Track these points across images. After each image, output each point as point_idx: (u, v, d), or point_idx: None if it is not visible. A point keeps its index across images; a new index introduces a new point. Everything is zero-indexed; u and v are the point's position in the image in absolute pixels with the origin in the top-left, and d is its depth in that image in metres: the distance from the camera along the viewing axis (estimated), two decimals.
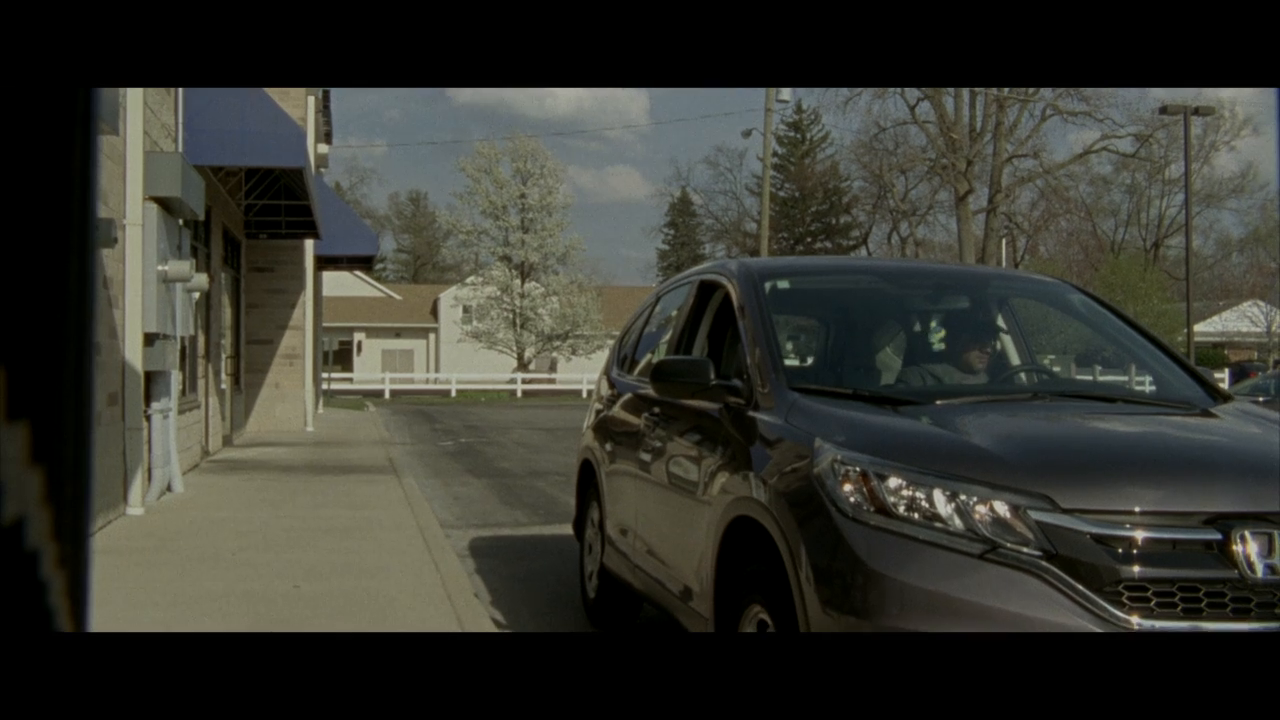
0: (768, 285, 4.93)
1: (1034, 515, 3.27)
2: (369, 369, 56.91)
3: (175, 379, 10.51)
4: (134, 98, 8.96)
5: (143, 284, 9.08)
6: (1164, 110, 36.01)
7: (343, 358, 57.22)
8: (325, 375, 35.48)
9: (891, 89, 46.66)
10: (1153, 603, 3.17)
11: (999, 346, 5.30)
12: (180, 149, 11.07)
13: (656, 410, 5.31)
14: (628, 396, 5.91)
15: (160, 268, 9.37)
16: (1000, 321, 5.41)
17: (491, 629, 5.73)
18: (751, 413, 4.26)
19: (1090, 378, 6.81)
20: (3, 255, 0.62)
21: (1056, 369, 6.31)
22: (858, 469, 3.50)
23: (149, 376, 9.59)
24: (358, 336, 60.06)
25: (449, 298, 60.09)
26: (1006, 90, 46.27)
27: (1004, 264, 45.50)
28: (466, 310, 55.04)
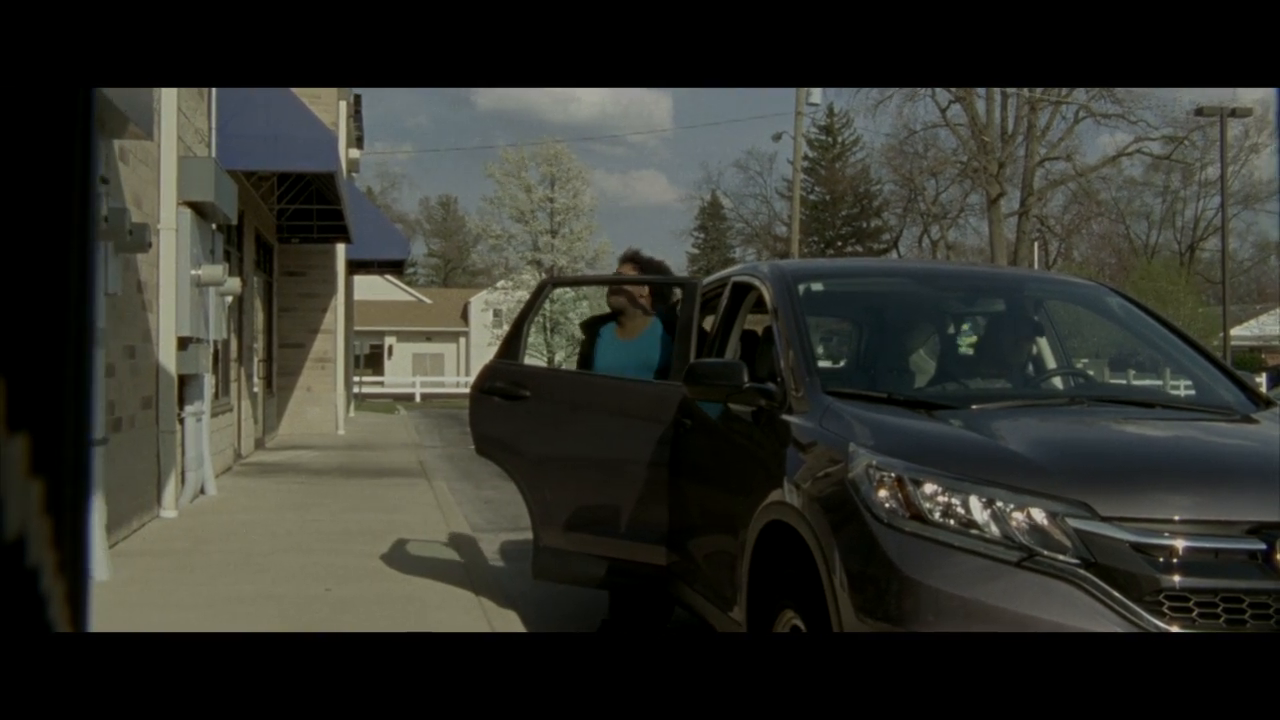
0: (801, 287, 4.89)
1: (1072, 522, 3.23)
2: (400, 373, 57.16)
3: (208, 382, 10.57)
4: (168, 103, 9.02)
5: (176, 288, 9.13)
6: (1199, 112, 35.65)
7: (374, 361, 57.48)
8: (356, 379, 35.64)
9: (922, 91, 46.49)
10: (1194, 613, 3.12)
11: (1035, 350, 5.25)
12: (213, 154, 11.14)
13: (690, 412, 5.28)
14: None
15: (194, 272, 9.43)
16: (1037, 324, 5.35)
17: (521, 631, 5.71)
18: (785, 416, 4.22)
19: (1125, 382, 6.75)
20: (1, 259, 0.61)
21: (1091, 373, 6.24)
22: (893, 474, 3.46)
23: (183, 380, 9.64)
24: (389, 340, 60.33)
25: (479, 302, 60.25)
26: (1039, 92, 45.99)
27: (1036, 268, 45.21)
28: (497, 314, 55.16)
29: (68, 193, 0.63)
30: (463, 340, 61.69)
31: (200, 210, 9.68)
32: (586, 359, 6.18)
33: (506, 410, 5.66)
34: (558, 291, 37.34)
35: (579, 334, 6.35)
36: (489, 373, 5.78)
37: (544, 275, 49.70)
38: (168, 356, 9.09)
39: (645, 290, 6.18)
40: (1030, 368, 5.18)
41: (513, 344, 5.86)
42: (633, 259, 6.37)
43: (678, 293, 6.12)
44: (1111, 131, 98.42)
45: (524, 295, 50.56)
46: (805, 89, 35.34)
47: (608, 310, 6.40)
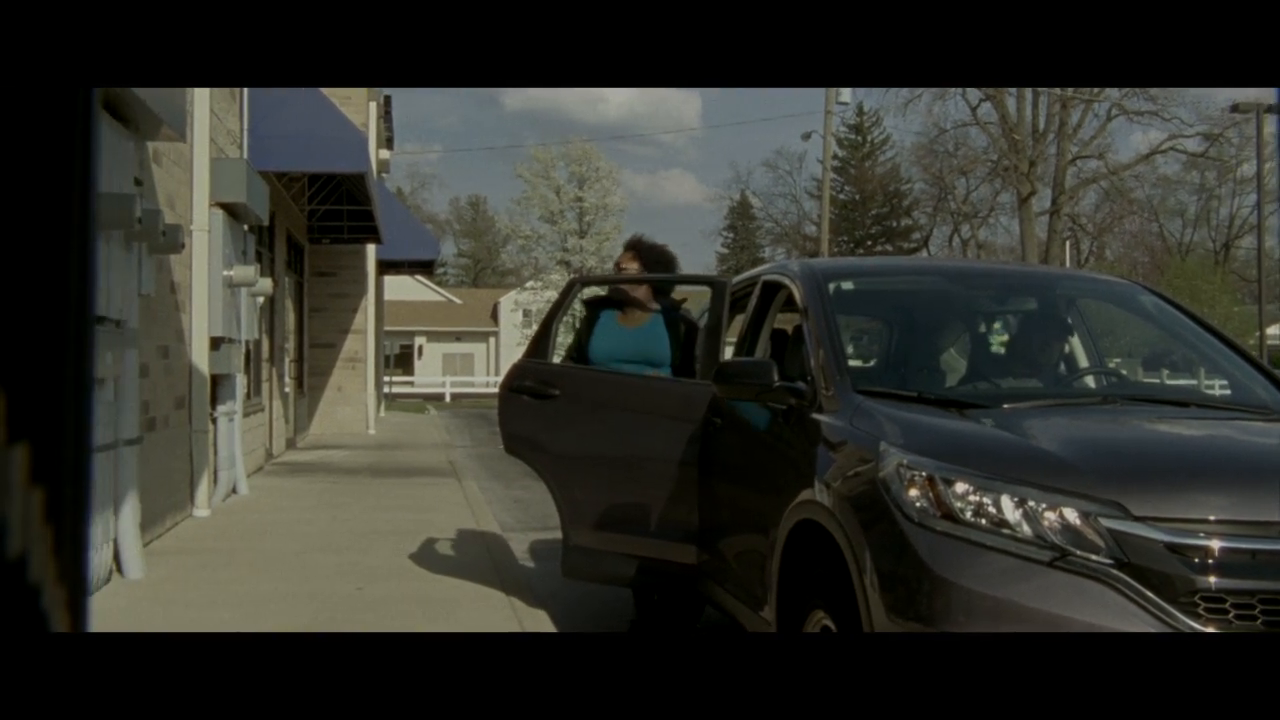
0: (831, 286, 4.88)
1: (1105, 522, 3.20)
2: (430, 372, 57.36)
3: (240, 382, 10.64)
4: (201, 105, 9.08)
5: (209, 289, 9.20)
6: (1235, 108, 35.30)
7: (404, 361, 57.72)
8: (387, 379, 35.80)
9: (952, 89, 46.23)
10: (1231, 615, 3.09)
11: (1067, 349, 5.21)
12: (245, 155, 11.21)
13: (719, 411, 5.28)
14: None
15: (226, 273, 9.49)
16: (1069, 323, 5.31)
17: (551, 630, 5.72)
18: (815, 415, 4.21)
19: (1158, 381, 6.69)
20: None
21: (1124, 372, 6.19)
22: (924, 473, 3.44)
23: (215, 380, 9.71)
24: (419, 340, 60.56)
25: (509, 302, 60.41)
26: (1070, 90, 45.66)
27: (1067, 266, 44.88)
28: (526, 314, 55.29)
29: (67, 194, 0.63)
30: (492, 340, 61.85)
31: (232, 211, 9.75)
32: (583, 338, 6.15)
33: (536, 409, 5.67)
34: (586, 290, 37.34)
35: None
36: (518, 372, 5.79)
37: (572, 275, 49.80)
38: (200, 356, 9.16)
39: (646, 287, 6.15)
40: (1062, 367, 5.14)
41: (541, 343, 5.86)
42: (634, 246, 6.33)
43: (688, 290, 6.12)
44: (1145, 129, 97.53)
45: (553, 295, 50.65)
46: (835, 88, 35.23)
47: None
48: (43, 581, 0.65)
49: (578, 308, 6.34)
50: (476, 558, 7.43)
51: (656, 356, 5.95)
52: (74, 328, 0.65)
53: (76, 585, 0.67)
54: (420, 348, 60.75)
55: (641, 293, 6.13)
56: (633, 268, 6.19)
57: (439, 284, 66.59)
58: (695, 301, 6.94)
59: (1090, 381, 5.11)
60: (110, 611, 5.73)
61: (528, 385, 5.70)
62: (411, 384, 50.91)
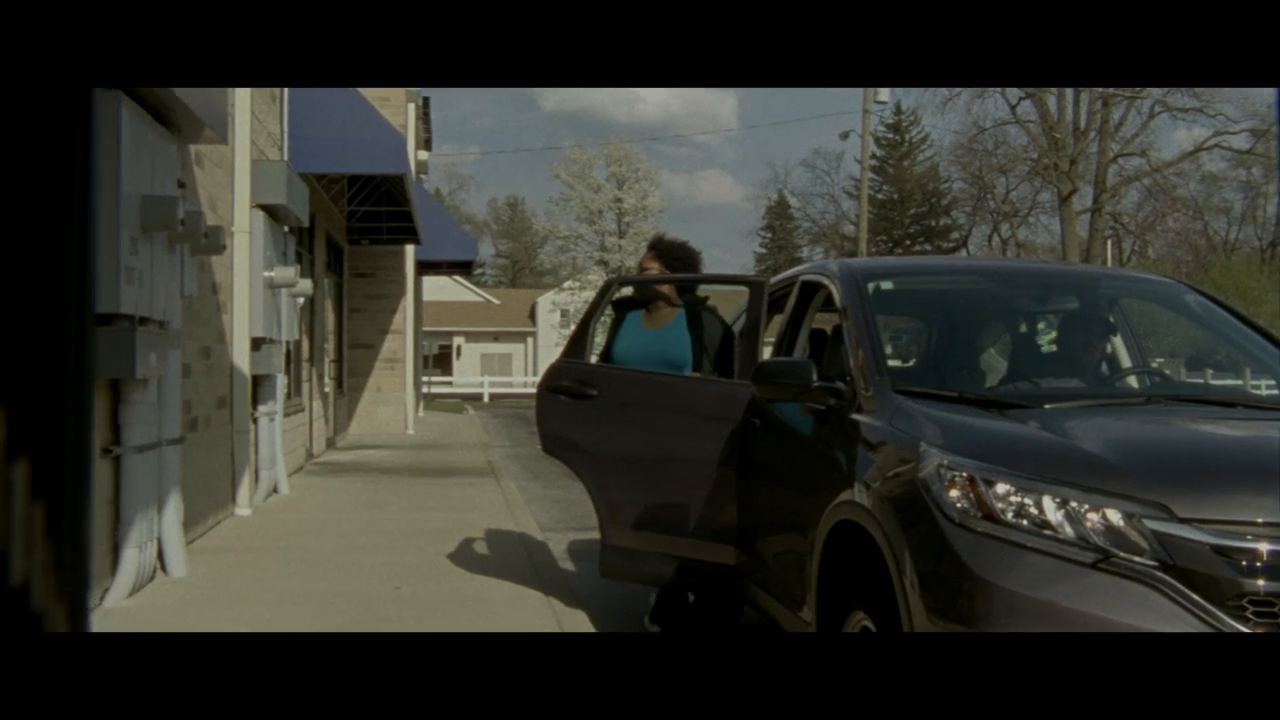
0: (870, 286, 4.85)
1: (1149, 524, 3.16)
2: (468, 373, 57.60)
3: (281, 383, 10.72)
4: (242, 107, 9.16)
5: (250, 290, 9.27)
6: None
7: (442, 361, 57.99)
8: (425, 379, 35.98)
9: (992, 88, 45.89)
10: None
11: (1110, 349, 5.16)
12: (286, 157, 11.30)
13: (758, 411, 5.27)
14: None
15: (266, 274, 9.57)
16: (1111, 322, 5.26)
17: (590, 630, 5.72)
18: (854, 415, 4.19)
19: (1202, 381, 6.60)
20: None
21: (1167, 372, 6.12)
22: (964, 474, 3.42)
23: (256, 380, 9.79)
24: (457, 340, 60.83)
25: (547, 302, 60.55)
26: (1113, 88, 45.19)
27: (1109, 265, 44.44)
28: (564, 314, 55.41)
29: (67, 195, 0.63)
30: (530, 340, 62.02)
31: (273, 213, 9.83)
32: (610, 339, 6.19)
33: (573, 409, 5.68)
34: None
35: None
36: (555, 372, 5.80)
37: (610, 275, 49.86)
38: (241, 357, 9.24)
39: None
40: (1105, 367, 5.09)
41: (579, 343, 5.87)
42: (655, 246, 6.34)
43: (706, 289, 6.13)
44: (1189, 125, 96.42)
45: (591, 295, 50.75)
46: (873, 88, 35.06)
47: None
48: (43, 592, 0.65)
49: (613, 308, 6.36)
50: (515, 558, 7.45)
51: (675, 358, 5.97)
52: (74, 329, 0.65)
53: (79, 582, 0.67)
54: (458, 348, 61.01)
55: (665, 292, 6.13)
56: (654, 267, 6.19)
57: (477, 284, 66.87)
58: (733, 301, 6.92)
59: (1133, 381, 5.05)
60: (153, 609, 5.79)
61: (565, 385, 5.71)
62: (450, 384, 51.12)
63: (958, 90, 47.58)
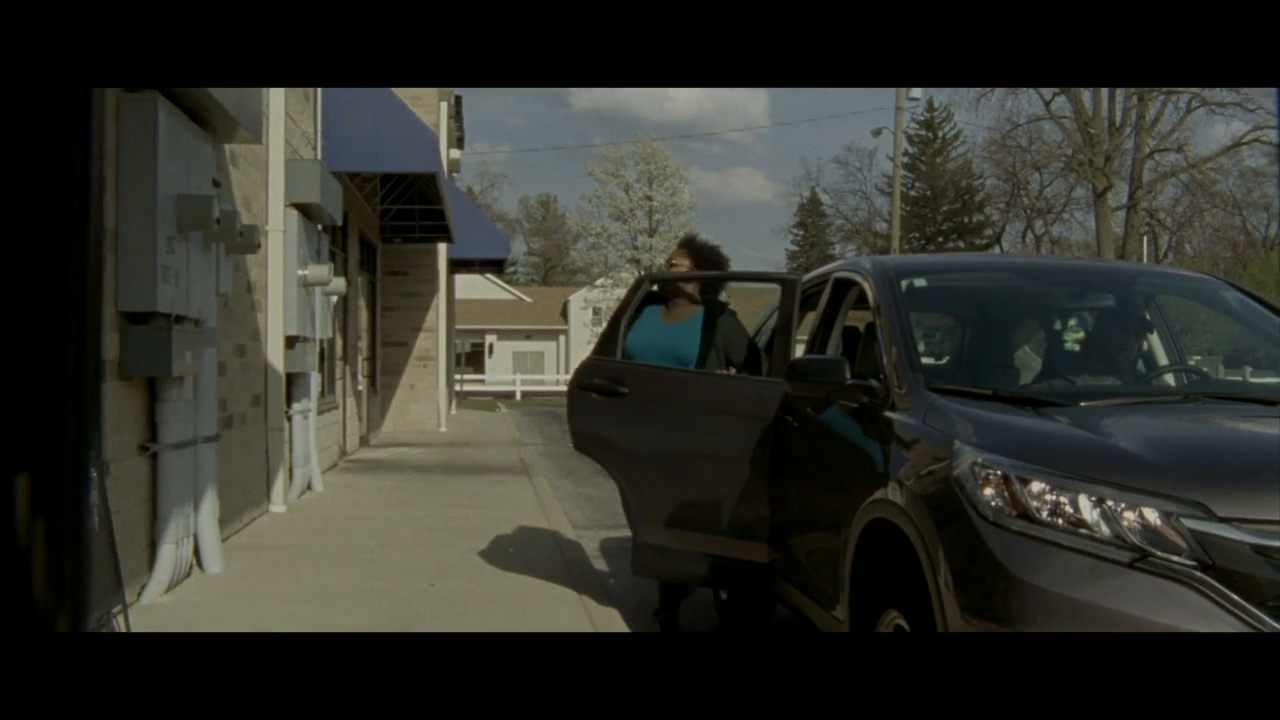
0: (904, 283, 4.83)
1: (1187, 523, 3.13)
2: (500, 370, 57.77)
3: (315, 380, 10.78)
4: (276, 107, 9.22)
5: (284, 288, 9.33)
6: None
7: (475, 359, 58.17)
8: (458, 377, 36.11)
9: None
10: None
11: (1146, 346, 5.11)
12: (319, 156, 11.36)
13: (790, 409, 5.25)
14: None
15: (301, 272, 9.63)
16: (1148, 320, 5.21)
17: (624, 629, 5.73)
18: (888, 413, 4.17)
19: (1241, 379, 6.53)
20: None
21: (1205, 369, 6.05)
22: (999, 472, 3.39)
23: (290, 378, 9.85)
24: (489, 338, 61.01)
25: (579, 300, 60.64)
26: None
27: (1145, 262, 44.04)
28: (596, 312, 55.46)
29: (67, 195, 0.63)
30: (562, 338, 62.12)
31: (307, 212, 9.89)
32: (626, 333, 6.16)
33: (605, 406, 5.68)
34: None
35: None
36: (586, 369, 5.80)
37: (641, 273, 49.87)
38: (276, 355, 9.30)
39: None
40: (1141, 364, 5.04)
41: (610, 340, 5.87)
42: (687, 244, 6.36)
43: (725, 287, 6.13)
44: (1227, 120, 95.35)
45: (622, 293, 50.59)
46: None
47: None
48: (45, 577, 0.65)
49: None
50: (547, 555, 7.47)
51: (682, 353, 5.96)
52: (74, 330, 0.65)
53: (79, 583, 0.67)
54: (491, 346, 61.19)
55: (690, 290, 6.14)
56: (684, 265, 6.19)
57: (509, 282, 67.04)
58: (764, 299, 6.91)
59: (1170, 379, 5.00)
60: (190, 605, 5.84)
61: (596, 383, 5.71)
62: (482, 382, 51.28)
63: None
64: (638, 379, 5.69)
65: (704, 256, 6.24)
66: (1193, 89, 46.43)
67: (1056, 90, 47.59)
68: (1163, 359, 5.16)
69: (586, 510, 11.15)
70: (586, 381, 5.74)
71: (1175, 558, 3.10)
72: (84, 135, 0.66)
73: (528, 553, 7.55)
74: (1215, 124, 76.50)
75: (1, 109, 0.64)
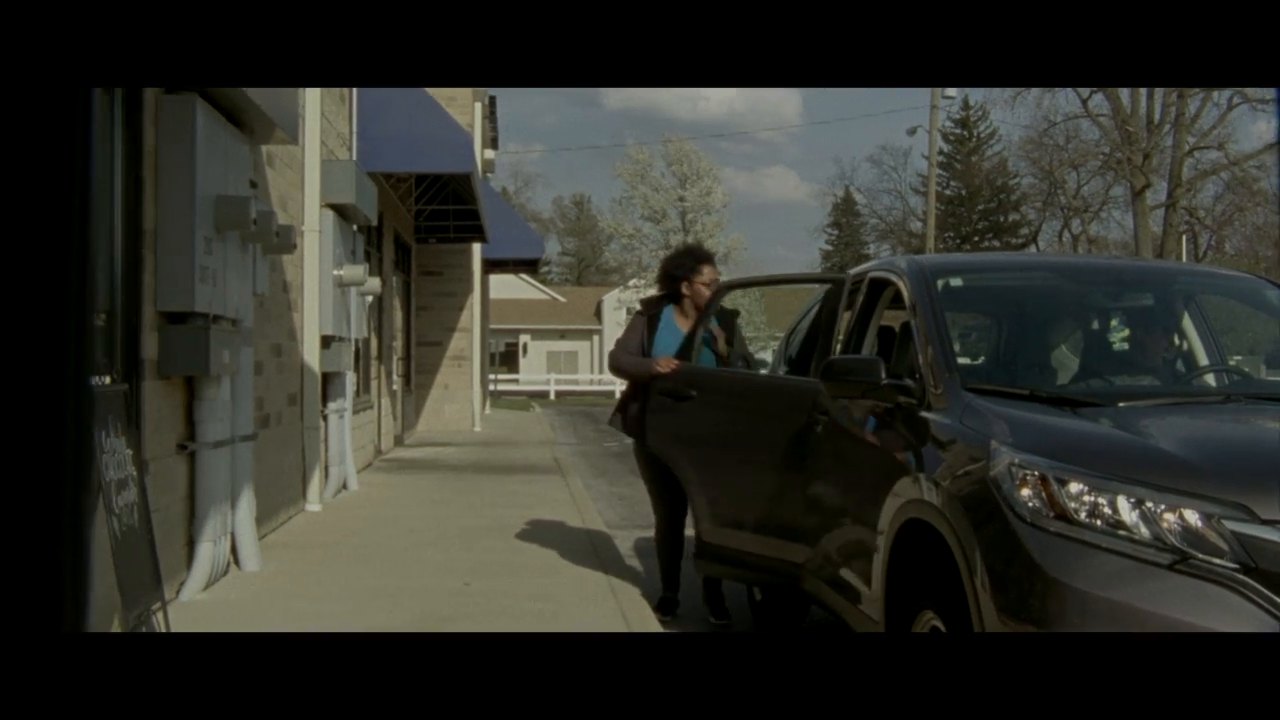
0: (940, 282, 4.80)
1: (1229, 525, 3.09)
2: (534, 370, 57.89)
3: (350, 380, 10.84)
4: (312, 108, 9.27)
5: (319, 288, 9.39)
6: None
7: (509, 359, 58.31)
8: (492, 376, 36.22)
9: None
10: None
11: (1186, 346, 5.05)
12: (354, 157, 11.42)
13: (825, 409, 5.23)
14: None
15: (336, 272, 9.68)
16: (1188, 319, 5.15)
17: (658, 629, 5.73)
18: (923, 413, 4.15)
19: None
20: None
21: (1246, 370, 5.98)
22: (1036, 473, 3.36)
23: (325, 378, 9.91)
24: (523, 338, 61.15)
25: (613, 300, 60.67)
26: None
27: (1184, 261, 43.57)
28: (629, 312, 55.41)
29: (68, 195, 0.63)
30: (596, 338, 62.16)
31: (342, 212, 9.94)
32: (645, 336, 6.41)
33: (677, 409, 5.85)
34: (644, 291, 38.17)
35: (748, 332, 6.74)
36: (672, 375, 5.99)
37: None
38: (312, 355, 9.36)
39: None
40: (1181, 364, 4.99)
41: (685, 346, 6.11)
42: (708, 258, 6.65)
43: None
44: (1270, 117, 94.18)
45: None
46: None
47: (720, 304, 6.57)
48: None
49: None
50: (582, 554, 7.47)
51: (707, 357, 6.21)
52: (74, 330, 0.65)
53: (79, 583, 0.67)
54: (525, 345, 61.33)
55: (699, 298, 6.35)
56: (715, 276, 6.48)
57: (543, 282, 67.16)
58: (799, 298, 6.92)
59: (1211, 379, 4.95)
60: (227, 602, 5.88)
61: (669, 386, 5.84)
62: (516, 381, 51.40)
63: None
64: (706, 382, 5.87)
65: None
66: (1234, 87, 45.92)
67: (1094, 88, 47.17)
68: (1203, 359, 5.10)
69: (620, 510, 11.14)
70: (661, 385, 5.94)
71: (1217, 560, 3.06)
72: (84, 135, 0.66)
73: (562, 552, 7.56)
74: (1257, 120, 75.62)
75: (1, 109, 0.64)
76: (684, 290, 6.41)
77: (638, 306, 6.80)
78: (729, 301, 6.90)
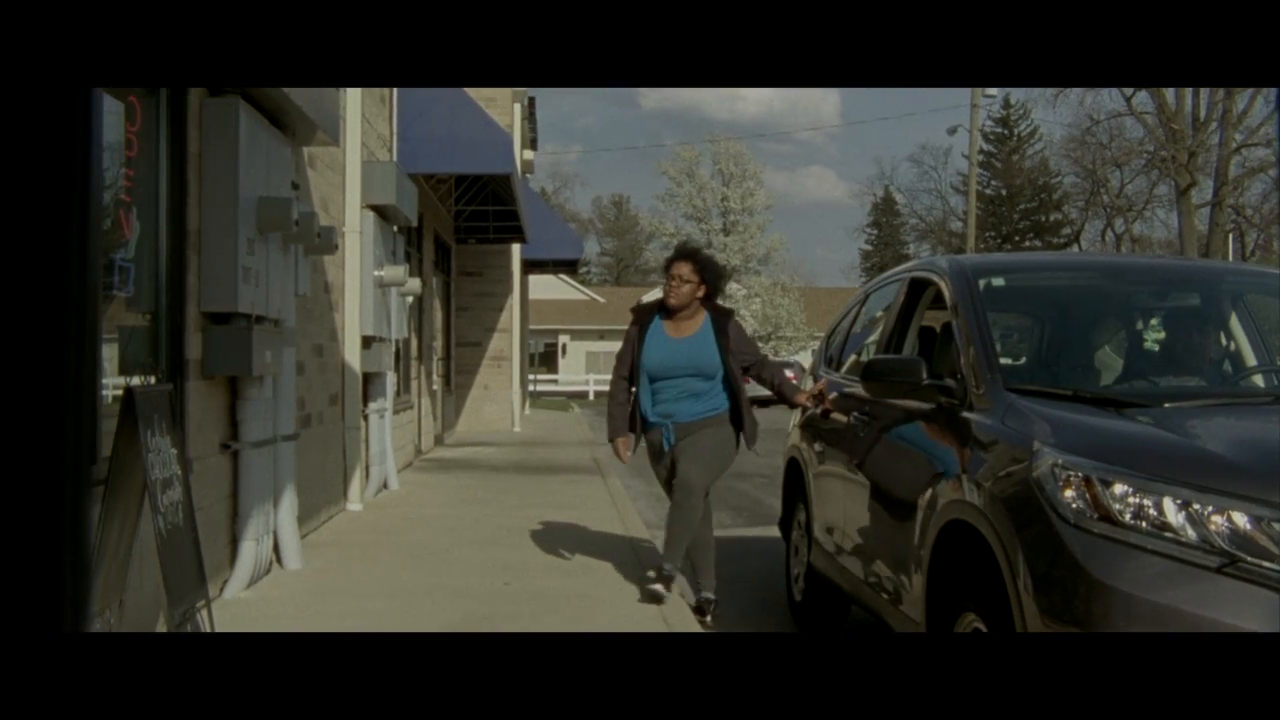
0: (982, 282, 4.76)
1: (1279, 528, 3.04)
2: (573, 370, 57.97)
3: (390, 380, 10.90)
4: (353, 110, 9.33)
5: (360, 289, 9.45)
6: None
7: (548, 359, 58.46)
8: (531, 376, 36.32)
9: None
10: None
11: (1233, 346, 4.98)
12: (395, 158, 11.49)
13: (866, 410, 5.20)
14: (835, 396, 5.82)
15: (377, 273, 9.74)
16: (1235, 319, 5.08)
17: (696, 630, 5.72)
18: (965, 413, 4.11)
19: None
20: None
21: None
22: (1080, 474, 3.33)
23: (366, 378, 9.97)
24: (562, 339, 61.27)
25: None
26: None
27: (1231, 260, 43.02)
28: None
29: (68, 195, 0.63)
30: None
31: (382, 213, 10.00)
32: (635, 350, 6.30)
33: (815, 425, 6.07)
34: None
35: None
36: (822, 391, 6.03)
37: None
38: (353, 355, 9.42)
39: (702, 289, 6.22)
40: (1228, 365, 4.92)
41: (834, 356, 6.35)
42: (690, 256, 6.36)
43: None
44: None
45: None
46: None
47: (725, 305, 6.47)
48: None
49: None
50: (621, 554, 7.47)
51: (704, 365, 6.11)
52: (74, 331, 0.65)
53: (79, 583, 0.67)
54: (564, 346, 61.46)
55: (692, 301, 6.21)
56: (691, 276, 6.22)
57: (582, 283, 67.28)
58: (833, 305, 6.89)
59: (1259, 380, 4.88)
60: (270, 600, 5.93)
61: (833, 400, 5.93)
62: (556, 382, 51.53)
63: None
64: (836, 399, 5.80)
65: (707, 268, 6.27)
66: None
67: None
68: (1250, 359, 5.03)
69: (659, 510, 11.13)
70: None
71: (1268, 564, 3.01)
72: (84, 135, 0.66)
73: (601, 552, 7.56)
74: None
75: (1, 109, 0.64)
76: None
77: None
78: (724, 300, 6.85)
